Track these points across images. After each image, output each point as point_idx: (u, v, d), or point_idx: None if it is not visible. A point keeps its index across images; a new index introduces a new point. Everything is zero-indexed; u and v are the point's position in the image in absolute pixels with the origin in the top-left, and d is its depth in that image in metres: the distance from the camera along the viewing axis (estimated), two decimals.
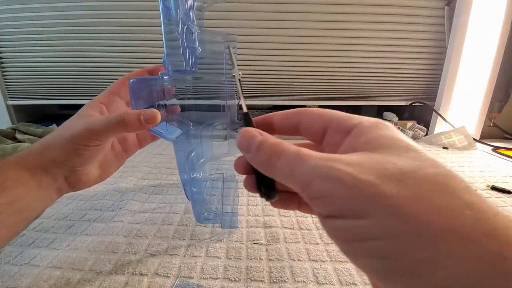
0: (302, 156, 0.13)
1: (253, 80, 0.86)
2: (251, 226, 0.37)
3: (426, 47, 0.83)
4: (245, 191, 0.46)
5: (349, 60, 0.84)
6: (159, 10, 0.26)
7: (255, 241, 0.34)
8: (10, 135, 0.73)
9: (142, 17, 0.79)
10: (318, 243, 0.33)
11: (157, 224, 0.37)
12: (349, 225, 0.12)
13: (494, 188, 0.49)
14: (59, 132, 0.26)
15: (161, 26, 0.26)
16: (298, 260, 0.31)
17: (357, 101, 0.90)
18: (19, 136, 0.72)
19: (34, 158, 0.25)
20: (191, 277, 0.28)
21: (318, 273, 0.29)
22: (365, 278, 0.27)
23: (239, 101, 0.24)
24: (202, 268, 0.29)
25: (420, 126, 0.85)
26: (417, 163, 0.12)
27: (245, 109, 0.20)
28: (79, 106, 0.29)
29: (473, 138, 0.75)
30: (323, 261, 0.30)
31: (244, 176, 0.18)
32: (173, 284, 0.27)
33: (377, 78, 0.87)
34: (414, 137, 0.84)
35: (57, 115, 1.04)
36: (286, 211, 0.40)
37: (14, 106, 0.91)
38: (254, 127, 0.18)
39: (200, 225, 0.37)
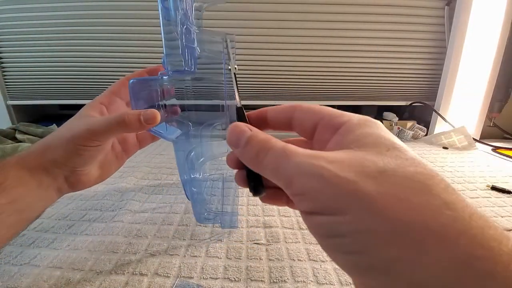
0: (287, 152, 0.13)
1: (253, 80, 0.86)
2: (251, 226, 0.37)
3: (426, 47, 0.83)
4: (245, 191, 0.46)
5: (349, 60, 0.84)
6: (158, 11, 0.26)
7: (255, 241, 0.34)
8: (10, 135, 0.73)
9: (142, 17, 0.79)
10: (318, 243, 0.33)
11: (157, 224, 0.37)
12: (328, 221, 0.12)
13: (494, 188, 0.49)
14: (59, 133, 0.26)
15: (160, 27, 0.26)
16: (298, 260, 0.31)
17: (357, 101, 0.90)
18: (19, 136, 0.72)
19: (35, 158, 0.25)
20: (191, 277, 0.28)
21: (318, 273, 0.29)
22: None
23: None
24: (202, 268, 0.29)
25: (420, 126, 0.85)
26: (399, 161, 0.12)
27: (238, 104, 0.19)
28: (79, 106, 0.29)
29: (473, 138, 0.75)
30: (323, 261, 0.30)
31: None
32: (173, 284, 0.27)
33: (377, 78, 0.87)
34: (414, 137, 0.84)
35: (57, 115, 1.04)
36: (286, 211, 0.40)
37: (14, 106, 0.91)
38: (247, 121, 0.18)
39: (200, 225, 0.37)
